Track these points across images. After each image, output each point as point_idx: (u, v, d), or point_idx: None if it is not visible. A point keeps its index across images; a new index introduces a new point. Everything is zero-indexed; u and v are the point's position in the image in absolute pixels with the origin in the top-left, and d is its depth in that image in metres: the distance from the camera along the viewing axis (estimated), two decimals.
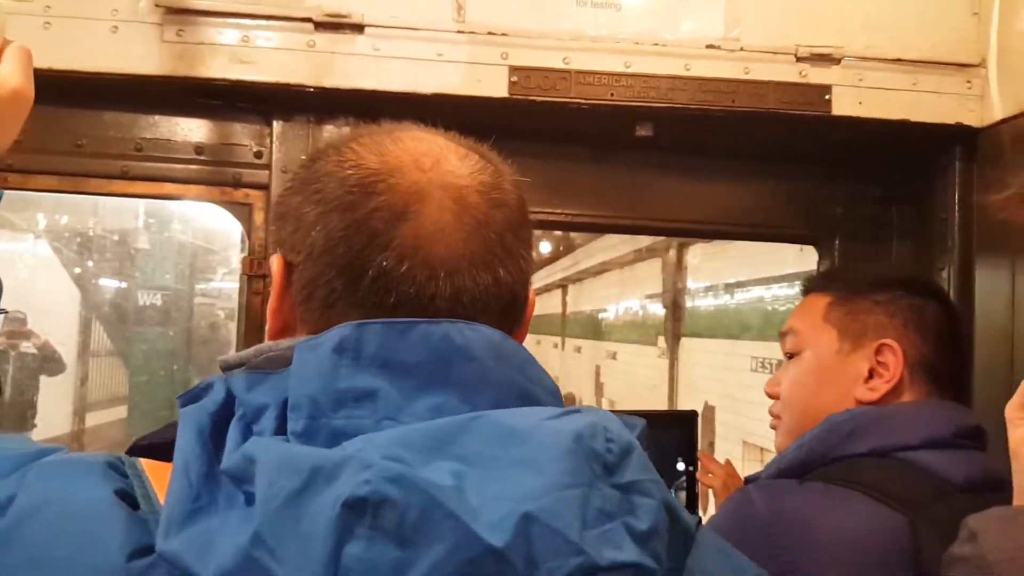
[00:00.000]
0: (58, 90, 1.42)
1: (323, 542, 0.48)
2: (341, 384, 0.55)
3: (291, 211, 0.67)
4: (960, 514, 0.98)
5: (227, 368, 0.63)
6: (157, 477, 0.58)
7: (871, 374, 1.13)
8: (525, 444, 0.53)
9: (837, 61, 1.44)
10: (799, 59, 1.43)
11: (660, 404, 9.11)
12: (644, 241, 8.97)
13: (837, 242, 1.67)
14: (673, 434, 1.40)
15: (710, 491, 1.50)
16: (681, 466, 1.47)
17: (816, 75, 1.44)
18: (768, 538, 0.98)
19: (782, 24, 1.43)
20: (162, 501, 0.55)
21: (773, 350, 6.54)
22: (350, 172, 0.65)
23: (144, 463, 0.60)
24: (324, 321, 0.64)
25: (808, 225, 1.69)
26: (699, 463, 1.49)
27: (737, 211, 1.67)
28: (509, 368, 0.60)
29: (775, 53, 1.42)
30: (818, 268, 1.73)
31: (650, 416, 1.82)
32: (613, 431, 0.55)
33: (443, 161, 0.66)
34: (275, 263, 0.67)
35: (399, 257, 0.61)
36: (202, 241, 6.39)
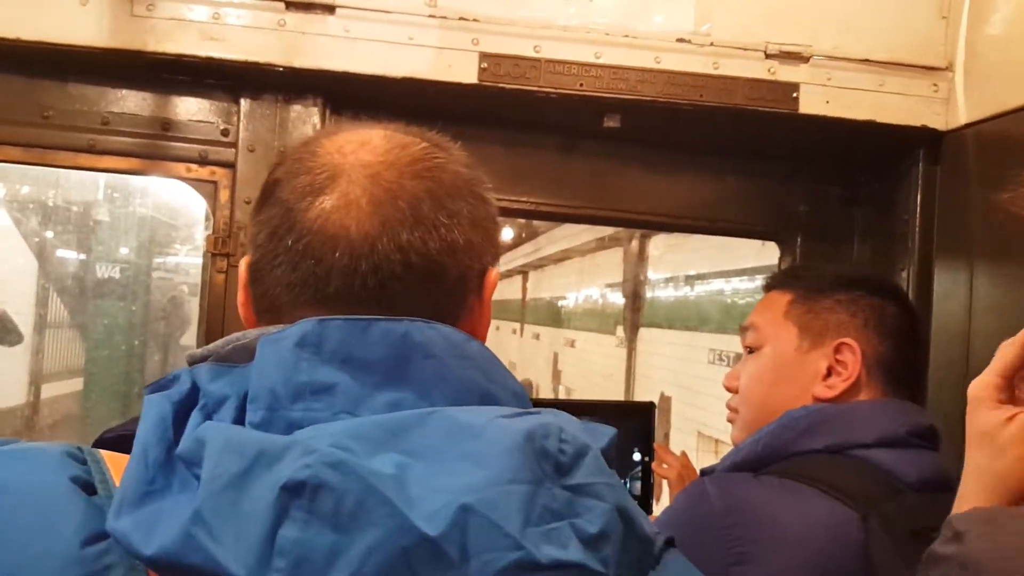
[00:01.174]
0: (25, 60, 1.41)
1: (260, 523, 0.49)
2: (301, 377, 0.56)
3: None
4: (911, 512, 1.00)
5: (194, 362, 0.64)
6: (116, 467, 0.58)
7: (829, 372, 1.15)
8: (475, 440, 0.53)
9: (806, 60, 1.45)
10: (768, 56, 1.44)
11: (617, 393, 9.15)
12: (607, 230, 8.95)
13: (799, 240, 1.69)
14: (630, 424, 1.42)
15: (664, 482, 1.53)
16: (637, 456, 1.49)
17: (785, 73, 1.45)
18: (722, 530, 1.00)
19: (752, 21, 1.44)
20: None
21: (731, 343, 6.60)
22: (285, 167, 0.68)
23: (104, 453, 0.60)
24: (264, 305, 0.67)
25: (771, 222, 1.71)
26: (655, 454, 1.51)
27: (701, 205, 1.68)
28: (470, 368, 0.60)
29: (745, 49, 1.43)
30: (780, 265, 1.75)
31: (608, 406, 1.84)
32: (568, 432, 0.56)
33: (366, 144, 0.67)
34: (242, 264, 0.71)
35: (301, 231, 0.64)
36: (163, 216, 6.33)
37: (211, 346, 0.65)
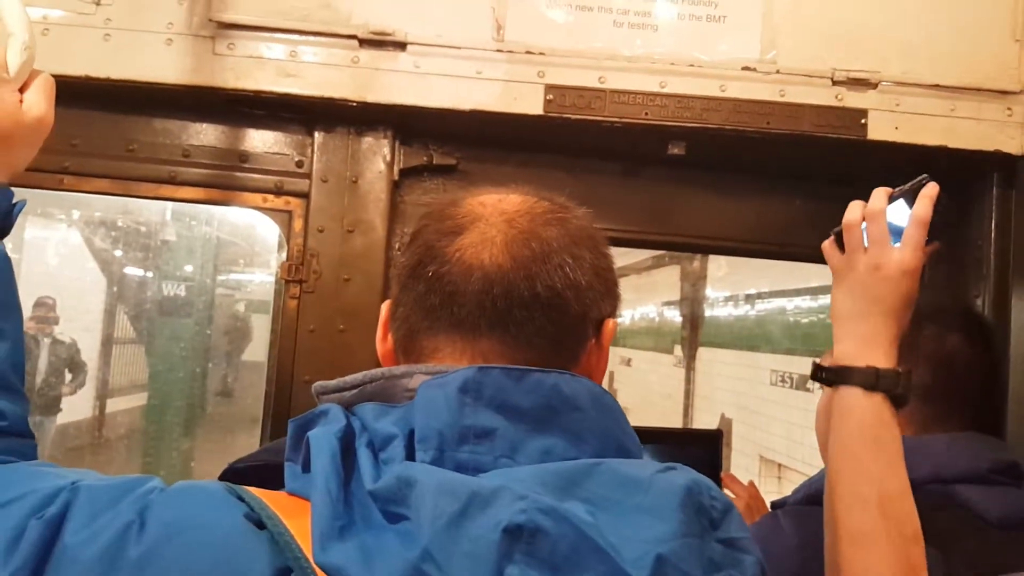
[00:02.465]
0: (113, 98, 1.49)
1: (486, 562, 0.54)
2: (465, 421, 0.62)
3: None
4: (994, 550, 0.97)
5: (324, 393, 0.70)
6: (273, 502, 0.61)
7: None
8: (645, 493, 0.59)
9: (874, 86, 1.44)
10: (835, 83, 1.43)
11: (675, 413, 9.02)
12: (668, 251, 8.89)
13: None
14: (696, 453, 1.40)
15: None
16: None
17: (852, 99, 1.44)
18: (799, 564, 0.99)
19: (818, 48, 1.44)
20: (287, 524, 0.59)
21: (793, 364, 6.45)
22: (429, 217, 0.76)
23: (254, 491, 0.63)
24: (404, 336, 0.73)
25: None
26: (722, 484, 1.50)
27: (768, 229, 1.67)
28: (609, 420, 0.67)
29: (811, 76, 1.43)
30: None
31: (674, 434, 1.82)
32: (714, 489, 0.63)
33: (504, 200, 0.74)
34: (384, 306, 0.78)
35: (442, 262, 0.70)
36: (226, 234, 6.52)
37: (348, 380, 0.70)
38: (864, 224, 1.00)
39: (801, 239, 1.68)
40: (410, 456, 0.61)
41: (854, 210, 1.01)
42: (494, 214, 0.72)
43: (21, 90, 0.85)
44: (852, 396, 0.92)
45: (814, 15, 1.44)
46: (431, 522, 0.55)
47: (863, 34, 1.45)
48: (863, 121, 1.44)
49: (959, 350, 1.15)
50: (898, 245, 0.98)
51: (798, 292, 6.60)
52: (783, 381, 6.74)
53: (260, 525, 0.59)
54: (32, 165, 1.48)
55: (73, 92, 1.42)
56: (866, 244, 0.99)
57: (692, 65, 1.42)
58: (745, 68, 1.42)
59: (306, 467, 0.62)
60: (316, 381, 0.73)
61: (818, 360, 1.00)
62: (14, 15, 0.87)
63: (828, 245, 1.04)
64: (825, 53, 1.43)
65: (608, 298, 0.76)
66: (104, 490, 0.62)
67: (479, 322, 0.69)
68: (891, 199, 1.02)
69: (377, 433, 0.63)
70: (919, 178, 1.02)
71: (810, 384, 6.04)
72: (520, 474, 0.59)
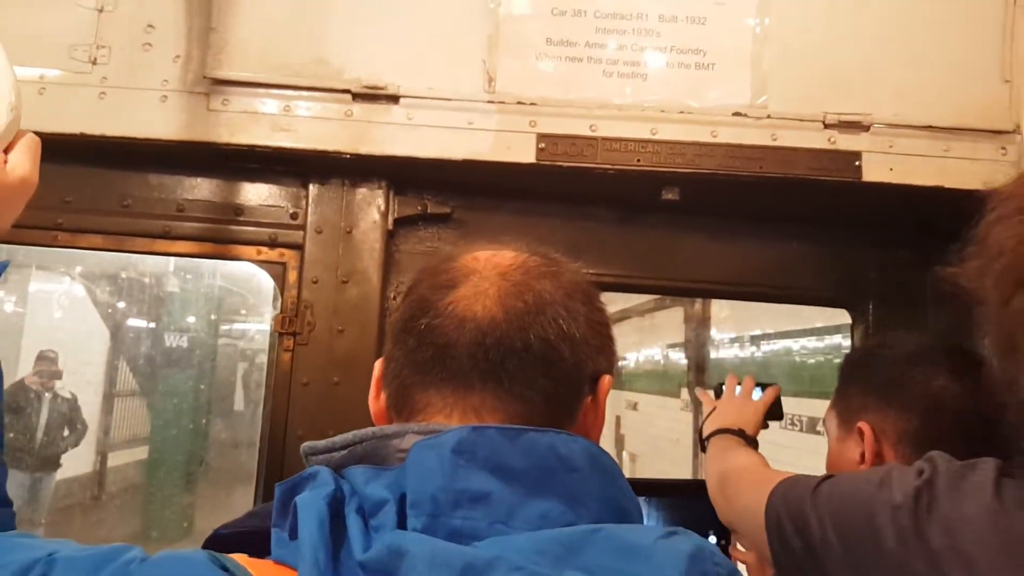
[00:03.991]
0: (108, 154, 1.50)
1: None
2: (459, 484, 0.60)
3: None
4: None
5: (313, 453, 0.68)
6: (258, 572, 0.59)
7: (862, 458, 1.14)
8: (646, 561, 0.57)
9: (867, 128, 1.44)
10: (827, 126, 1.43)
11: (684, 459, 8.86)
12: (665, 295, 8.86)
13: (871, 306, 1.65)
14: (705, 504, 1.36)
15: (743, 567, 1.46)
16: (713, 539, 1.43)
17: (845, 142, 1.44)
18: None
19: (809, 91, 1.45)
20: None
21: (802, 407, 6.35)
22: (424, 273, 0.75)
23: (240, 558, 0.61)
24: (396, 391, 0.72)
25: (840, 289, 1.67)
26: (731, 536, 1.46)
27: (766, 273, 1.66)
28: (607, 481, 0.64)
29: (803, 120, 1.43)
30: (852, 332, 1.70)
31: (681, 485, 1.78)
32: (718, 555, 0.61)
33: (497, 255, 0.74)
34: (376, 364, 0.77)
35: (435, 315, 0.69)
36: (226, 282, 6.55)
37: (337, 440, 0.68)
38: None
39: (798, 281, 1.68)
40: (402, 522, 0.59)
41: None
42: (488, 268, 0.72)
43: (6, 151, 0.85)
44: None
45: (804, 60, 1.45)
46: None
47: (854, 77, 1.46)
48: (857, 163, 1.44)
49: (946, 390, 1.13)
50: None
51: (803, 333, 6.55)
52: (792, 424, 6.65)
53: None
54: (26, 222, 1.48)
55: (68, 149, 1.44)
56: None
57: (683, 112, 1.43)
58: (736, 114, 1.43)
59: (293, 534, 0.60)
60: (310, 436, 0.72)
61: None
62: (1, 76, 0.87)
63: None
64: (816, 97, 1.44)
65: (603, 353, 0.74)
66: (82, 561, 0.60)
67: (471, 374, 0.68)
68: None
69: (367, 498, 0.60)
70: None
71: (820, 427, 5.95)
72: (516, 543, 0.57)
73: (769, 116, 1.43)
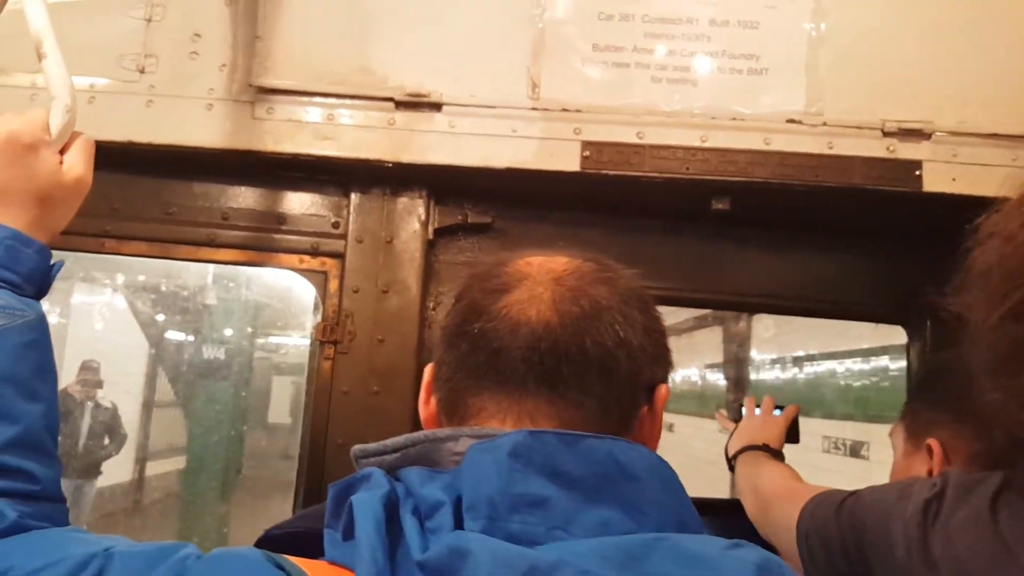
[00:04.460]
0: (154, 162, 1.51)
1: None
2: (516, 489, 0.59)
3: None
4: None
5: (364, 456, 0.67)
6: (313, 572, 0.59)
7: (930, 475, 1.10)
8: (714, 571, 0.56)
9: (928, 136, 1.38)
10: (886, 134, 1.38)
11: (722, 481, 8.68)
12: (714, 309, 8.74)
13: (928, 324, 1.58)
14: (741, 522, 1.32)
15: None
16: None
17: (905, 150, 1.38)
18: None
19: (867, 98, 1.39)
20: None
21: (847, 430, 6.19)
22: (474, 277, 0.74)
23: (295, 560, 0.60)
24: (448, 396, 0.71)
25: (896, 304, 1.61)
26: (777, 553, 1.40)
27: (818, 287, 1.60)
28: (668, 491, 0.63)
29: (860, 128, 1.38)
30: (907, 350, 1.63)
31: (722, 504, 1.72)
32: (786, 567, 0.60)
33: (551, 260, 0.72)
34: (427, 370, 0.76)
35: (488, 319, 0.67)
36: (263, 295, 6.63)
37: (389, 443, 0.67)
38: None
39: (852, 296, 1.61)
40: (459, 524, 0.58)
41: None
42: (541, 272, 0.70)
43: (62, 152, 0.86)
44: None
45: (861, 66, 1.40)
46: None
47: (914, 84, 1.40)
48: (917, 173, 1.38)
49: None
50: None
51: (850, 354, 6.38)
52: (836, 448, 6.47)
53: None
54: (74, 229, 1.50)
55: (115, 157, 1.44)
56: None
57: (734, 119, 1.38)
58: (790, 121, 1.38)
59: (347, 534, 0.59)
60: (350, 445, 0.71)
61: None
62: (58, 79, 0.89)
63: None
64: (874, 104, 1.39)
65: (660, 361, 0.72)
66: (138, 556, 0.61)
67: (525, 379, 0.66)
68: None
69: (424, 500, 0.60)
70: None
71: (865, 451, 5.78)
72: (579, 548, 0.56)
73: (825, 123, 1.38)
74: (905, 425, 1.20)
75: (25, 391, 0.76)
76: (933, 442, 1.11)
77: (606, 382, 0.67)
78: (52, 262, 0.86)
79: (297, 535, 0.65)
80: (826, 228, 1.56)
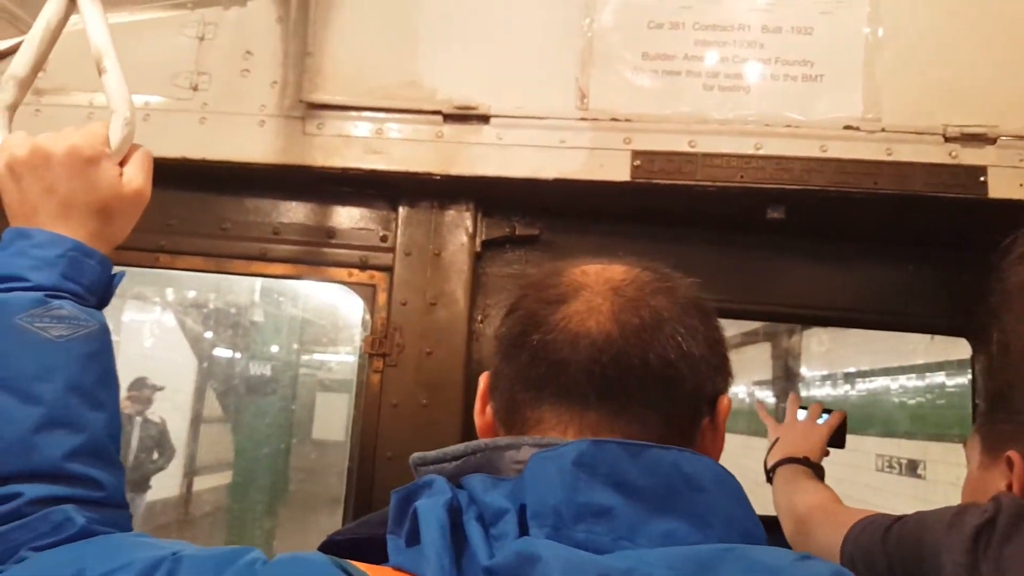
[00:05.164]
0: (208, 178, 1.53)
1: None
2: (581, 498, 0.58)
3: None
4: None
5: (423, 464, 0.67)
6: None
7: (1010, 489, 1.06)
8: None
9: (992, 141, 1.33)
10: (948, 139, 1.33)
11: (772, 502, 8.48)
12: (753, 323, 8.58)
13: (995, 336, 1.51)
14: (779, 537, 1.29)
15: None
16: None
17: (969, 156, 1.33)
18: None
19: (927, 103, 1.35)
20: None
21: (902, 448, 5.99)
22: (529, 287, 0.73)
23: (362, 565, 0.60)
24: (506, 407, 0.70)
25: (959, 316, 1.54)
26: None
27: (877, 298, 1.55)
28: (733, 503, 0.62)
29: (921, 133, 1.34)
30: (972, 363, 1.57)
31: (769, 521, 1.69)
32: None
33: (608, 269, 0.71)
34: (482, 379, 0.75)
35: (547, 330, 0.66)
36: (309, 312, 6.70)
37: (448, 451, 0.66)
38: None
39: (912, 308, 1.56)
40: (523, 532, 0.58)
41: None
42: (599, 282, 0.69)
43: (121, 164, 0.87)
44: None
45: (920, 70, 1.36)
46: None
47: (976, 87, 1.35)
48: (982, 179, 1.33)
49: None
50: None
51: (904, 370, 6.19)
52: (890, 467, 6.27)
53: None
54: (129, 244, 1.52)
55: (169, 173, 1.47)
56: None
57: (789, 126, 1.35)
58: (847, 127, 1.34)
59: (411, 540, 0.59)
60: (399, 457, 0.70)
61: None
62: (118, 93, 0.91)
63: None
64: (935, 109, 1.34)
65: (722, 372, 0.71)
66: (206, 560, 0.61)
67: (587, 392, 0.65)
68: None
69: (488, 507, 0.59)
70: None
71: (921, 470, 5.59)
72: (648, 556, 0.55)
73: (883, 129, 1.34)
74: (981, 437, 1.15)
75: (90, 400, 0.77)
76: (1014, 455, 1.07)
77: (669, 395, 0.66)
78: (113, 272, 0.87)
79: (359, 541, 0.65)
80: (885, 237, 1.52)
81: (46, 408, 0.74)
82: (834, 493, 1.31)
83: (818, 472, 1.45)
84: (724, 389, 0.71)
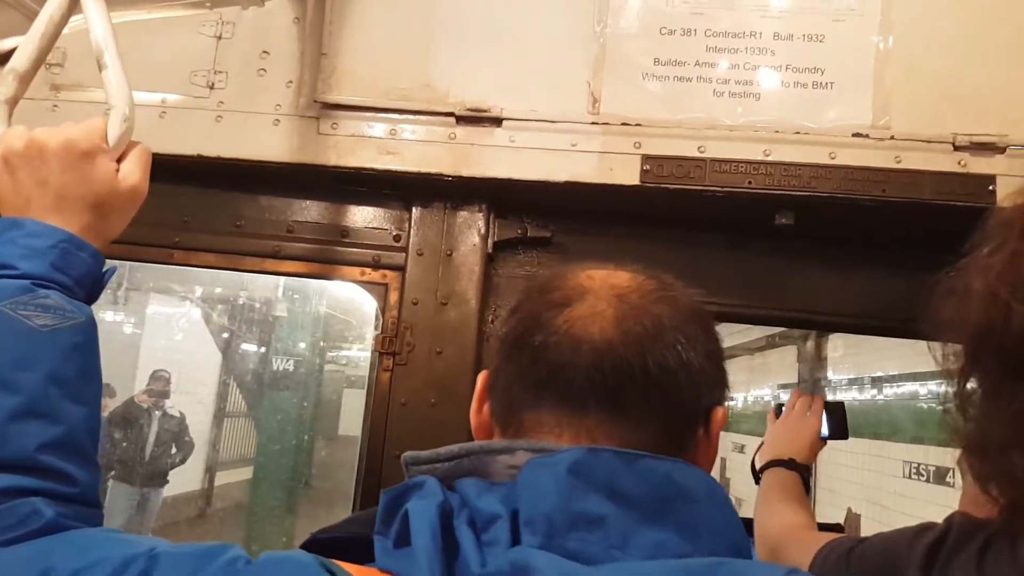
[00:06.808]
0: (223, 176, 1.56)
1: None
2: (574, 506, 0.58)
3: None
4: None
5: (415, 464, 0.66)
6: None
7: None
8: None
9: (1002, 150, 1.33)
10: (957, 148, 1.34)
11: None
12: (778, 327, 8.52)
13: None
14: None
15: None
16: None
17: (978, 165, 1.33)
18: None
19: (936, 111, 1.35)
20: None
21: (929, 455, 5.92)
22: (532, 289, 0.74)
23: (347, 566, 0.60)
24: (504, 408, 0.70)
25: None
26: None
27: (888, 304, 1.54)
28: (723, 515, 0.62)
29: (930, 142, 1.34)
30: None
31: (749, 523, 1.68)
32: None
33: (613, 275, 0.72)
34: (480, 377, 0.76)
35: (549, 333, 0.67)
36: (333, 310, 6.73)
37: (442, 451, 0.66)
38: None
39: (928, 315, 1.55)
40: (515, 539, 0.57)
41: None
42: (603, 288, 0.69)
43: (119, 160, 0.87)
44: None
45: (930, 79, 1.36)
46: None
47: (986, 96, 1.35)
48: (991, 188, 1.33)
49: None
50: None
51: (932, 375, 6.12)
52: (918, 474, 6.20)
53: None
54: (144, 239, 1.56)
55: (186, 171, 1.51)
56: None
57: (798, 132, 1.36)
58: (856, 134, 1.35)
59: (399, 542, 0.59)
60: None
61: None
62: (117, 89, 0.91)
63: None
64: (945, 116, 1.35)
65: (718, 384, 0.71)
66: (184, 558, 0.60)
67: (587, 398, 0.65)
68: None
69: (480, 512, 0.59)
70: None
71: (950, 477, 5.54)
72: (641, 569, 0.56)
73: (892, 137, 1.34)
74: None
75: (70, 393, 0.75)
76: None
77: (667, 403, 0.66)
78: (105, 268, 0.86)
79: (343, 540, 0.64)
80: (895, 244, 1.52)
81: (24, 397, 0.71)
82: (808, 516, 1.30)
83: (804, 472, 1.43)
84: (720, 401, 0.72)
